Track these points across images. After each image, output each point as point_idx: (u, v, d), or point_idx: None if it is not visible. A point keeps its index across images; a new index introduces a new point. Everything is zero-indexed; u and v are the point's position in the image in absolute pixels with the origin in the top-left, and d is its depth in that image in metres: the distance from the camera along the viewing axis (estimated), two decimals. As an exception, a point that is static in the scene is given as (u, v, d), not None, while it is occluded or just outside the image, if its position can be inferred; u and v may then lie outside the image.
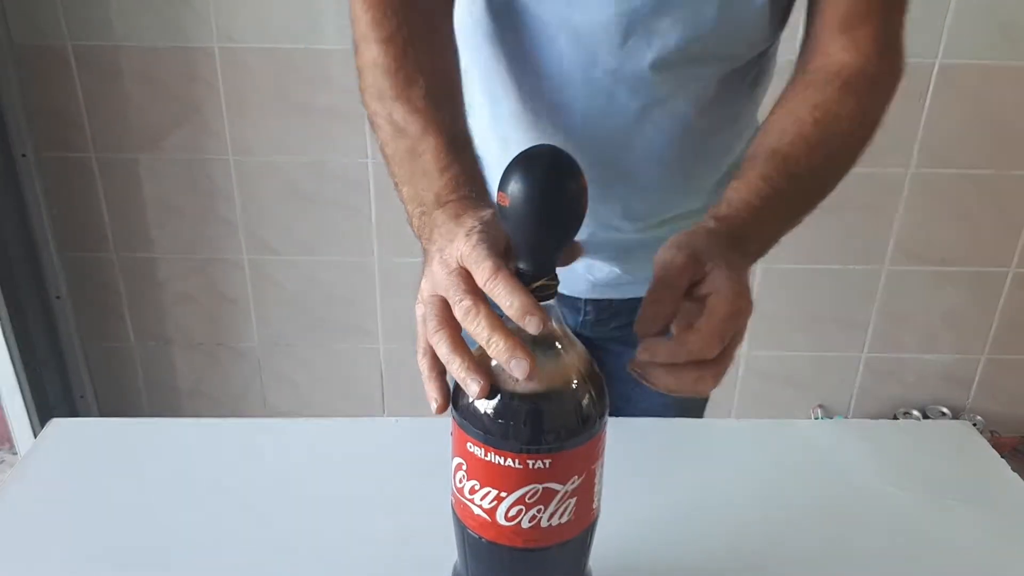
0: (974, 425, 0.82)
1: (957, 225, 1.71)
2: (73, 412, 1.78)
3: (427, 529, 0.65)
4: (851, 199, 1.66)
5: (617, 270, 0.81)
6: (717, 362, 0.49)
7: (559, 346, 0.44)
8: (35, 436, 1.62)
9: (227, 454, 0.75)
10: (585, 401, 0.44)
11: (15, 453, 1.82)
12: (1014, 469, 0.75)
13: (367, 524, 0.66)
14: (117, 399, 1.90)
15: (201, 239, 1.73)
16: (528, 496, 0.44)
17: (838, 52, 0.68)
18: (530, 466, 0.43)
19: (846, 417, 1.92)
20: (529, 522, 0.44)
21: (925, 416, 1.88)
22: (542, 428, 0.43)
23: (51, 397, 1.71)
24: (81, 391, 1.79)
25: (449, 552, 0.63)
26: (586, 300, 0.85)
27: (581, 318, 0.87)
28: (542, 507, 0.44)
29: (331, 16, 1.53)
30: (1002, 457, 0.77)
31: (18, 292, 1.60)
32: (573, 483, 0.44)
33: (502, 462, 0.43)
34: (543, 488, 0.43)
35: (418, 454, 0.76)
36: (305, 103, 1.60)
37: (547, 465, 0.43)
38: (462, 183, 0.54)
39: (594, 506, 0.47)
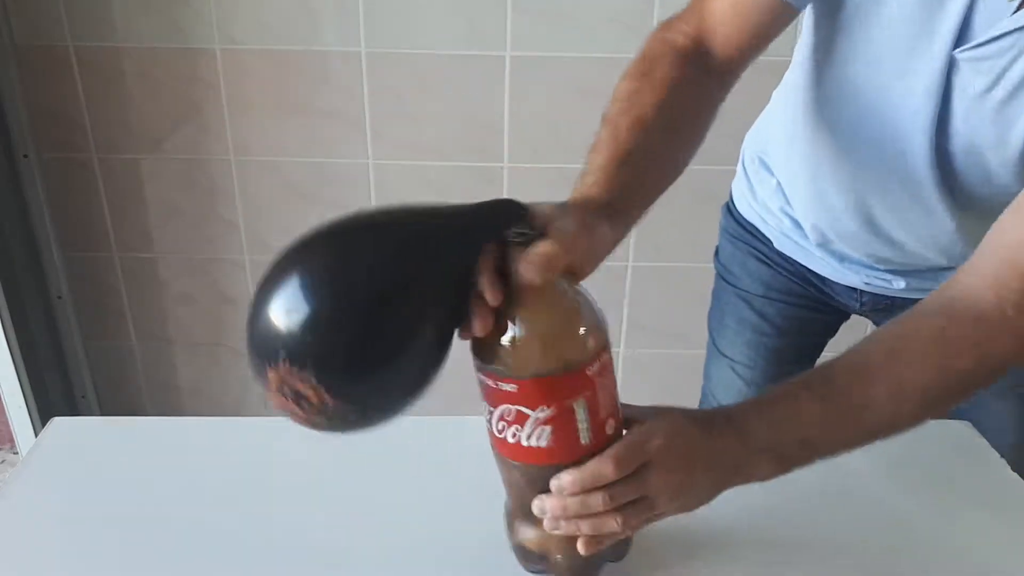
0: (972, 424, 0.83)
1: (956, 225, 1.71)
2: (74, 411, 1.78)
3: (427, 527, 0.66)
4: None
5: (901, 284, 0.87)
6: (625, 505, 0.51)
7: (548, 291, 0.50)
8: (36, 435, 1.62)
9: (228, 453, 0.75)
10: (549, 344, 0.49)
11: (16, 452, 1.83)
12: (1012, 468, 0.75)
13: (368, 522, 0.67)
14: (118, 399, 1.90)
15: (202, 239, 1.74)
16: (506, 415, 0.51)
17: (980, 287, 0.58)
18: (500, 387, 0.50)
19: (845, 417, 1.92)
20: (512, 438, 0.51)
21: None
22: (507, 356, 0.50)
23: (52, 397, 1.72)
24: (82, 391, 1.80)
25: (449, 548, 0.64)
26: (862, 291, 0.91)
27: (858, 306, 0.94)
28: (519, 427, 0.51)
29: (331, 18, 1.53)
30: (1002, 457, 0.77)
31: (19, 292, 1.60)
32: (543, 411, 0.50)
33: (485, 380, 0.52)
34: (516, 410, 0.50)
35: (418, 453, 0.76)
36: (306, 104, 1.60)
37: (515, 389, 0.50)
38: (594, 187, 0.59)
39: (583, 442, 0.51)
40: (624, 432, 0.53)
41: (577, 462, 0.51)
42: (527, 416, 0.50)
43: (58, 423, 0.79)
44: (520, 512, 0.58)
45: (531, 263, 0.49)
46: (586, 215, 0.55)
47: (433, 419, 0.80)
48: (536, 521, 0.56)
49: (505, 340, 0.50)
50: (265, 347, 0.49)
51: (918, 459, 0.76)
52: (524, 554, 0.59)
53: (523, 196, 0.52)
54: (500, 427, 0.52)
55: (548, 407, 0.50)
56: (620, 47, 1.57)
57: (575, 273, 0.52)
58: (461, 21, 1.54)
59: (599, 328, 0.51)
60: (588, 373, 0.50)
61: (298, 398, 0.49)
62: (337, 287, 0.48)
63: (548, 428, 0.50)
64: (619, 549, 0.59)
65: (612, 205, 0.58)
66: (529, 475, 0.53)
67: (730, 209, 1.01)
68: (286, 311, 0.48)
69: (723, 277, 1.02)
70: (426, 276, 0.48)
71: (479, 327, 0.49)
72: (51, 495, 0.70)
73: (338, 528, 0.66)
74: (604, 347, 0.51)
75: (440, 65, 1.57)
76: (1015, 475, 0.74)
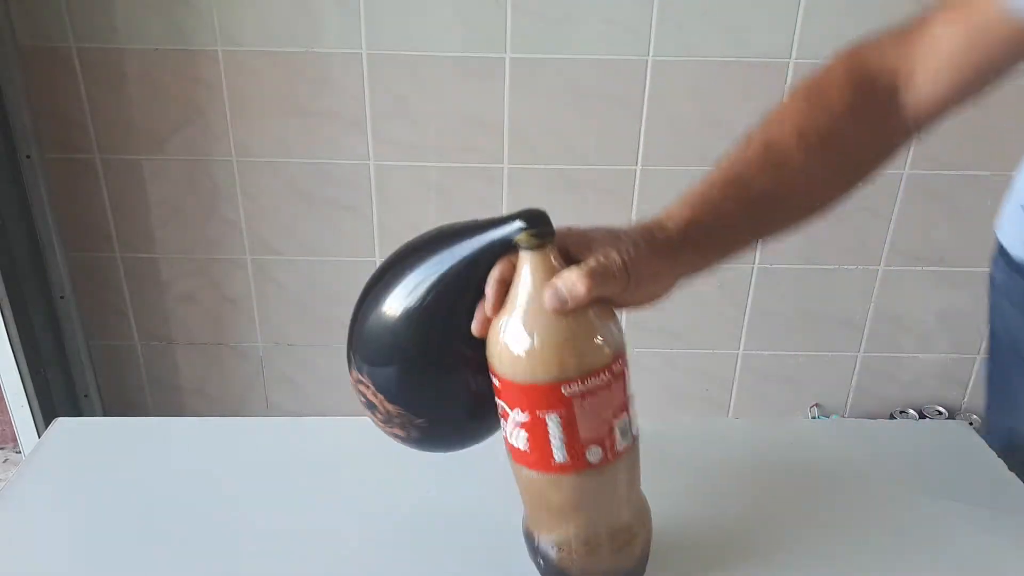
0: (970, 424, 0.83)
1: (952, 225, 1.72)
2: (77, 411, 1.79)
3: (428, 528, 0.66)
4: (847, 200, 1.66)
5: None
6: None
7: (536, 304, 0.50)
8: (39, 435, 1.62)
9: (230, 453, 0.76)
10: (521, 351, 0.49)
11: (19, 452, 1.83)
12: (1010, 468, 0.76)
13: (369, 522, 0.67)
14: (121, 398, 1.91)
15: (204, 239, 1.74)
16: (500, 407, 0.52)
17: None
18: (493, 378, 0.52)
19: (842, 416, 1.92)
20: (504, 431, 0.53)
21: (921, 415, 1.89)
22: (492, 349, 0.51)
23: (55, 396, 1.72)
24: (85, 390, 1.80)
25: (448, 550, 0.64)
26: None
27: None
28: (505, 422, 0.52)
29: (332, 20, 1.54)
30: (998, 456, 0.77)
31: (22, 292, 1.61)
32: (519, 414, 0.50)
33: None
34: (501, 405, 0.52)
35: (419, 453, 0.76)
36: (307, 105, 1.61)
37: (498, 384, 0.51)
38: (671, 219, 0.54)
39: (554, 460, 0.51)
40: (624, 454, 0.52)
41: (553, 477, 0.52)
42: (508, 414, 0.51)
43: (61, 423, 0.79)
44: (530, 516, 0.58)
45: (554, 293, 0.48)
46: (641, 246, 0.50)
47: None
48: (545, 527, 0.56)
49: (492, 333, 0.51)
50: (347, 350, 0.56)
51: (915, 459, 0.76)
52: (534, 556, 0.59)
53: (523, 197, 0.53)
54: (501, 419, 0.53)
55: (522, 411, 0.50)
56: (619, 49, 1.58)
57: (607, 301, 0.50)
58: (461, 23, 1.54)
59: (587, 352, 0.49)
60: (563, 392, 0.49)
61: (370, 406, 0.56)
62: (385, 310, 0.53)
63: (524, 433, 0.51)
64: (635, 568, 0.59)
65: (689, 239, 0.52)
66: (517, 472, 0.54)
67: (1009, 263, 0.81)
68: (355, 321, 0.55)
69: (1001, 338, 0.84)
70: (454, 296, 0.52)
71: (476, 329, 0.51)
72: (54, 495, 0.70)
73: (341, 528, 0.66)
74: (590, 372, 0.49)
75: (440, 67, 1.58)
76: (1012, 475, 0.75)
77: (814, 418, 1.89)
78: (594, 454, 0.51)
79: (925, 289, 1.79)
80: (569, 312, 0.48)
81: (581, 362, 0.49)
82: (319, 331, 1.83)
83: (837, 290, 1.79)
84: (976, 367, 1.88)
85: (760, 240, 0.57)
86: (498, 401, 0.52)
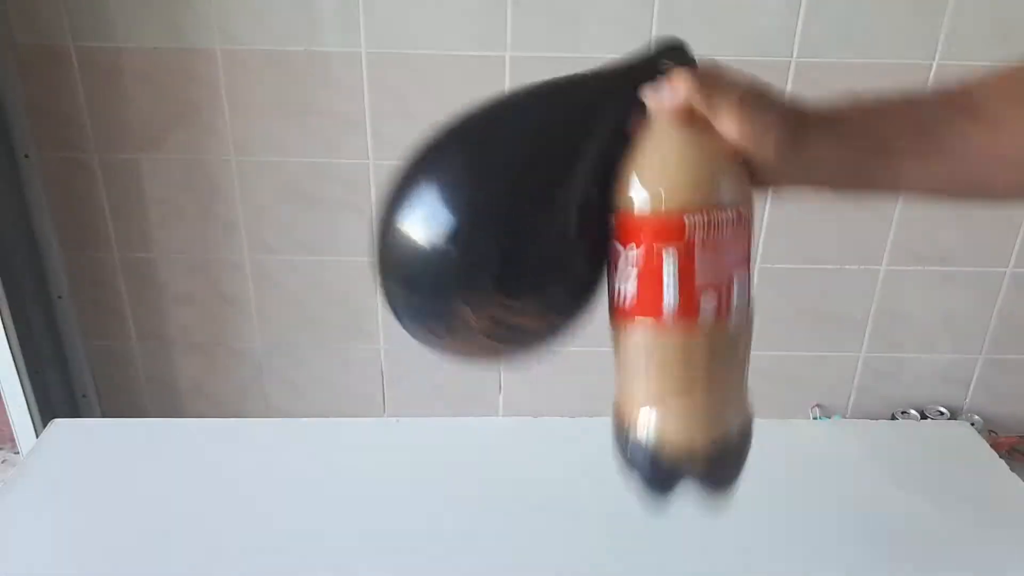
0: (972, 425, 0.83)
1: (955, 225, 1.71)
2: (75, 412, 1.79)
3: (427, 529, 0.66)
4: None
5: None
6: None
7: (658, 124, 0.47)
8: (37, 436, 1.62)
9: (228, 454, 0.75)
10: (638, 178, 0.47)
11: (17, 452, 1.83)
12: (1012, 469, 0.75)
13: (368, 524, 0.67)
14: (119, 399, 1.90)
15: (202, 239, 1.74)
16: (611, 255, 0.49)
17: None
18: (610, 223, 0.49)
19: (844, 416, 1.92)
20: (614, 287, 0.49)
21: (923, 416, 1.88)
22: (618, 182, 0.48)
23: (53, 397, 1.72)
24: (83, 391, 1.80)
25: (448, 550, 0.64)
26: None
27: None
28: (615, 269, 0.49)
29: (332, 18, 1.54)
30: (1000, 457, 0.77)
31: (20, 292, 1.60)
32: (632, 249, 0.47)
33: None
34: (615, 245, 0.48)
35: (418, 454, 0.76)
36: (306, 104, 1.61)
37: (613, 223, 0.48)
38: (853, 107, 0.48)
39: (664, 304, 0.47)
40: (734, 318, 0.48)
41: (657, 323, 0.47)
42: (620, 255, 0.48)
43: (59, 424, 0.79)
44: (623, 392, 0.52)
45: (653, 92, 0.46)
46: (775, 98, 0.46)
47: (433, 419, 0.80)
48: (641, 400, 0.50)
49: (622, 164, 0.48)
50: (458, 281, 0.46)
51: (917, 459, 0.76)
52: (623, 443, 0.52)
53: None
54: (610, 272, 0.50)
55: (637, 246, 0.47)
56: (620, 48, 1.57)
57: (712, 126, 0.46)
58: (462, 22, 1.54)
59: (715, 184, 0.46)
60: (685, 221, 0.46)
61: (511, 331, 0.48)
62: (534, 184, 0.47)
63: (634, 272, 0.47)
64: (723, 483, 0.55)
65: (824, 121, 0.46)
66: (617, 334, 0.50)
67: None
68: (486, 230, 0.46)
69: None
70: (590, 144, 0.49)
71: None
72: (52, 496, 0.70)
73: (341, 529, 0.66)
74: (716, 206, 0.46)
75: (441, 65, 1.57)
76: (1014, 475, 0.75)
77: (815, 418, 1.88)
78: (708, 302, 0.47)
79: (927, 289, 1.78)
80: (703, 143, 0.46)
81: (709, 192, 0.46)
82: (319, 331, 1.82)
83: (839, 290, 1.79)
84: (978, 367, 1.88)
85: (903, 187, 0.48)
86: (613, 246, 0.49)
